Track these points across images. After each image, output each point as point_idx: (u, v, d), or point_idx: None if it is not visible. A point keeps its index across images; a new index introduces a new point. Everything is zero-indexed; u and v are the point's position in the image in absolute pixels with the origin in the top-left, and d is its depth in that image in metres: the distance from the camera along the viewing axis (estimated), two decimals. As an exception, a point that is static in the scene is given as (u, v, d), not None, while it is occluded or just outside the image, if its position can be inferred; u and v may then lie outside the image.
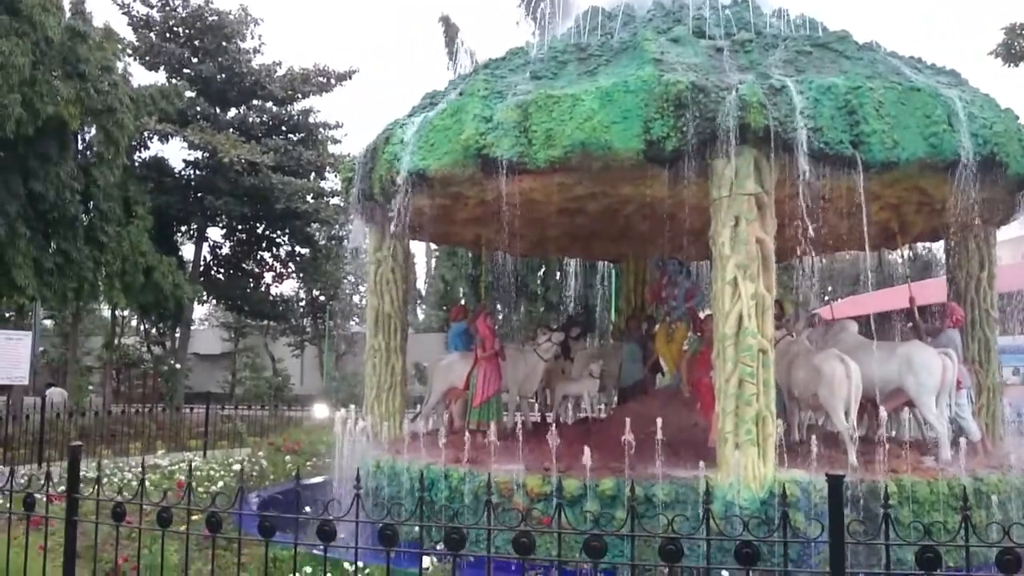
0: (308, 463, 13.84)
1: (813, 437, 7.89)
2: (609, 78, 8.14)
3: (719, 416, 7.88)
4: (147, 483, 11.53)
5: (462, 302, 25.30)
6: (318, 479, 12.27)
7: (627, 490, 4.69)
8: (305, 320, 45.73)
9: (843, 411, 8.57)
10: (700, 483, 7.52)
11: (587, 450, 7.70)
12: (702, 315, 11.24)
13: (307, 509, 6.63)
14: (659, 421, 7.92)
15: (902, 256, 12.06)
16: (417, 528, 4.20)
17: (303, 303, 45.15)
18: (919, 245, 16.32)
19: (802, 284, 13.09)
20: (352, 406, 11.41)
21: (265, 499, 10.84)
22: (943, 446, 8.79)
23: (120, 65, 22.82)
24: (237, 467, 12.15)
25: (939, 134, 7.86)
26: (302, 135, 33.69)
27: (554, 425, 9.17)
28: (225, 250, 34.91)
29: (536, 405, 14.11)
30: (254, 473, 12.13)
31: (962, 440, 8.45)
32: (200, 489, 10.70)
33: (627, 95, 7.79)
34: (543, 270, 28.45)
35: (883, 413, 8.39)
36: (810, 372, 9.00)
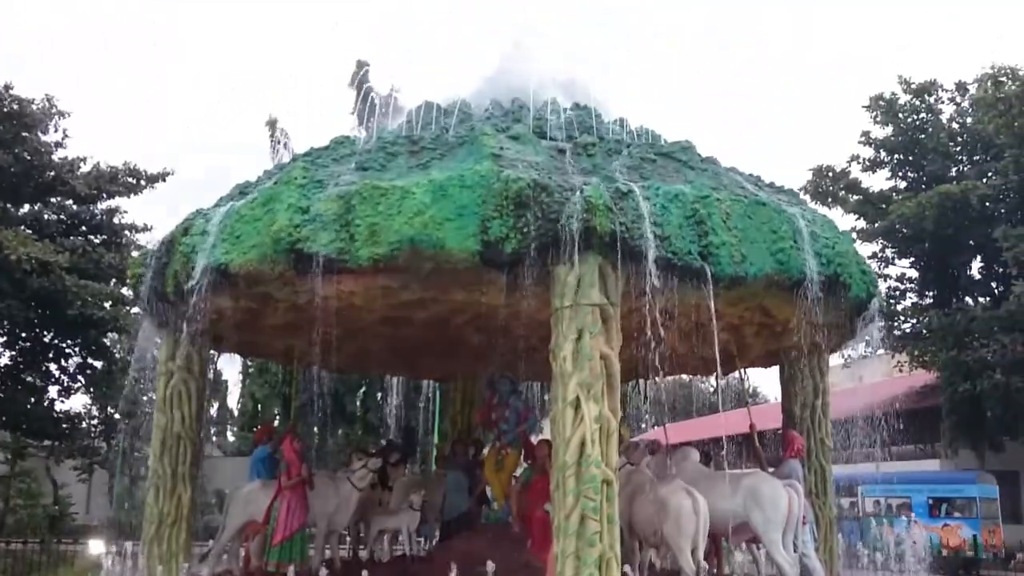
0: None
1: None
2: (444, 172, 7.39)
3: (558, 558, 6.87)
4: None
5: (275, 423, 23.35)
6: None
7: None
8: (96, 440, 41.33)
9: (690, 549, 7.79)
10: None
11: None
12: (535, 440, 10.35)
13: None
14: (489, 564, 6.83)
15: (740, 379, 11.72)
16: None
17: (95, 421, 40.91)
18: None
19: (636, 408, 12.58)
20: (129, 542, 9.67)
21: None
22: (792, 587, 8.14)
23: None
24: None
25: (786, 251, 7.55)
26: (105, 236, 31.04)
27: (368, 565, 7.89)
28: (3, 360, 31.15)
29: (348, 540, 12.56)
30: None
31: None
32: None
33: (463, 190, 7.04)
34: (363, 389, 26.91)
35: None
36: (654, 506, 8.20)
